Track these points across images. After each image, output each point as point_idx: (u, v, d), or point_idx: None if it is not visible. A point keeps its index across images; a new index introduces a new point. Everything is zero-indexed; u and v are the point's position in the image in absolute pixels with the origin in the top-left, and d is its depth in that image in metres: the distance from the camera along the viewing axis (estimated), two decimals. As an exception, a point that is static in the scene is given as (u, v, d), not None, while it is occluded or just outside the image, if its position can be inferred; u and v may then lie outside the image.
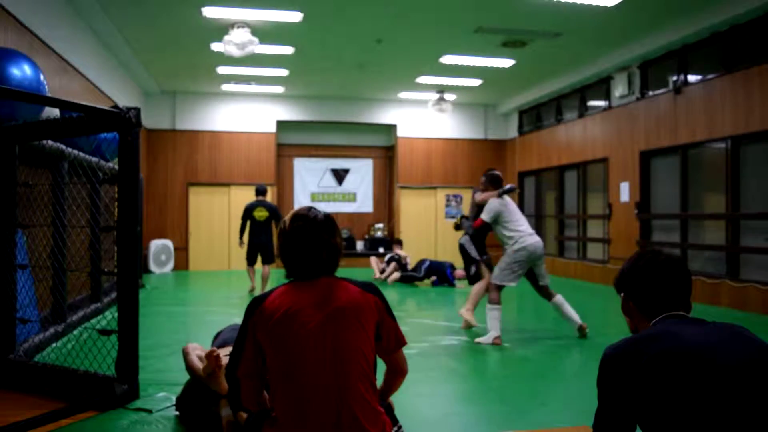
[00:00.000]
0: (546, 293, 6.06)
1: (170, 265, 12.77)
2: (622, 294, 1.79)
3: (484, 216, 5.98)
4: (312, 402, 1.92)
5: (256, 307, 2.04)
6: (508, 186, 6.11)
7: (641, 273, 1.72)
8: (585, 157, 11.49)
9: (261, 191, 9.25)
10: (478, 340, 5.80)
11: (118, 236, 3.93)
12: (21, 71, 4.61)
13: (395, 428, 2.30)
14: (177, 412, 3.65)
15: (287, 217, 2.18)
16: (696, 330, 1.58)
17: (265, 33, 8.67)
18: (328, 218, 2.18)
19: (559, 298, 6.02)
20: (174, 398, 3.85)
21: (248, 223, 9.11)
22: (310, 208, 2.19)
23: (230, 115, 13.51)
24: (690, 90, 8.70)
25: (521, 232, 5.85)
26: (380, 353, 2.16)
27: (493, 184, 6.14)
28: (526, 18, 8.19)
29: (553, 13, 7.96)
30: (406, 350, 2.26)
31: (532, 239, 5.86)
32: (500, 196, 5.99)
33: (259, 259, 9.08)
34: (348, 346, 1.97)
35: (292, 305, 2.00)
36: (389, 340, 2.13)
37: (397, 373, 2.25)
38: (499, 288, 5.88)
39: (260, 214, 9.02)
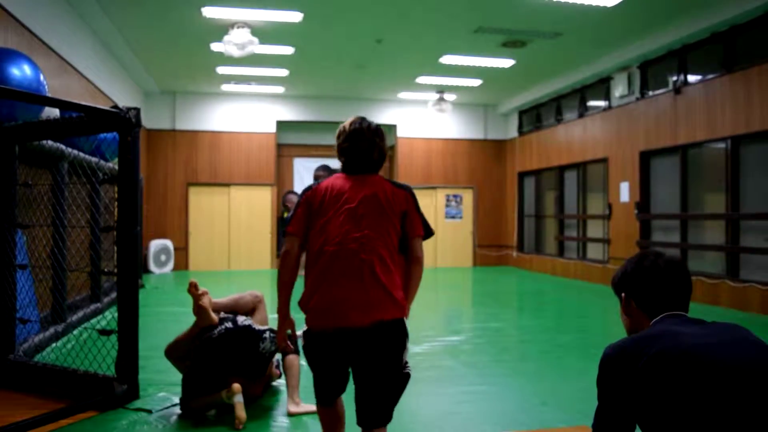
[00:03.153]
0: None
1: (170, 265, 12.77)
2: (623, 294, 1.80)
3: None
4: (336, 252, 2.38)
5: (312, 186, 2.56)
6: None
7: (645, 273, 1.74)
8: (585, 157, 11.48)
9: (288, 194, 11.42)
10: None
11: (118, 236, 3.93)
12: (21, 71, 4.61)
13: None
14: (179, 412, 3.66)
15: (346, 123, 2.63)
16: (696, 330, 1.58)
17: (265, 33, 8.67)
18: (379, 127, 2.65)
19: None
20: (174, 398, 3.86)
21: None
22: (363, 118, 2.65)
23: (230, 115, 13.51)
24: (690, 90, 8.70)
25: None
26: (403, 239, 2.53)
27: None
28: (526, 18, 8.19)
29: (553, 13, 7.96)
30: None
31: None
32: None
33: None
34: (376, 222, 2.43)
35: (340, 189, 2.50)
36: (410, 228, 2.52)
37: (413, 259, 2.55)
38: None
39: (288, 214, 10.91)
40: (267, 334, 3.67)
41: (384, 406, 2.40)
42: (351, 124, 2.61)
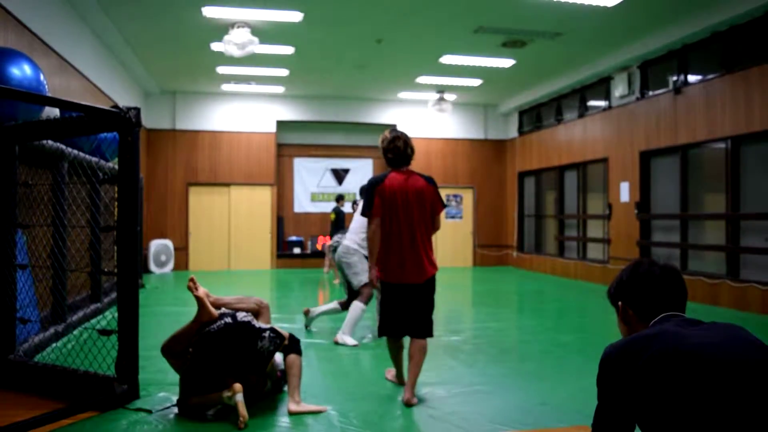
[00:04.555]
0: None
1: (170, 265, 12.77)
2: (620, 303, 1.80)
3: None
4: (399, 233, 3.98)
5: (380, 183, 4.01)
6: None
7: (641, 280, 1.75)
8: (585, 157, 11.49)
9: (337, 199, 12.16)
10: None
11: (118, 236, 3.93)
12: (21, 71, 4.61)
13: None
14: (177, 410, 3.66)
15: (386, 132, 4.15)
16: (695, 330, 1.59)
17: (265, 33, 8.67)
18: (405, 134, 4.12)
19: (354, 304, 5.84)
20: (174, 398, 3.86)
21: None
22: (395, 128, 4.25)
23: (230, 115, 13.51)
24: (690, 90, 8.70)
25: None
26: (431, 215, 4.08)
27: None
28: (526, 18, 8.19)
29: (553, 13, 7.96)
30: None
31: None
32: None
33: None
34: (421, 211, 4.02)
35: (399, 187, 4.00)
36: (435, 208, 4.10)
37: (436, 228, 4.15)
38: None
39: (332, 216, 11.89)
40: (266, 333, 3.68)
41: (429, 323, 4.06)
42: (390, 132, 4.13)
